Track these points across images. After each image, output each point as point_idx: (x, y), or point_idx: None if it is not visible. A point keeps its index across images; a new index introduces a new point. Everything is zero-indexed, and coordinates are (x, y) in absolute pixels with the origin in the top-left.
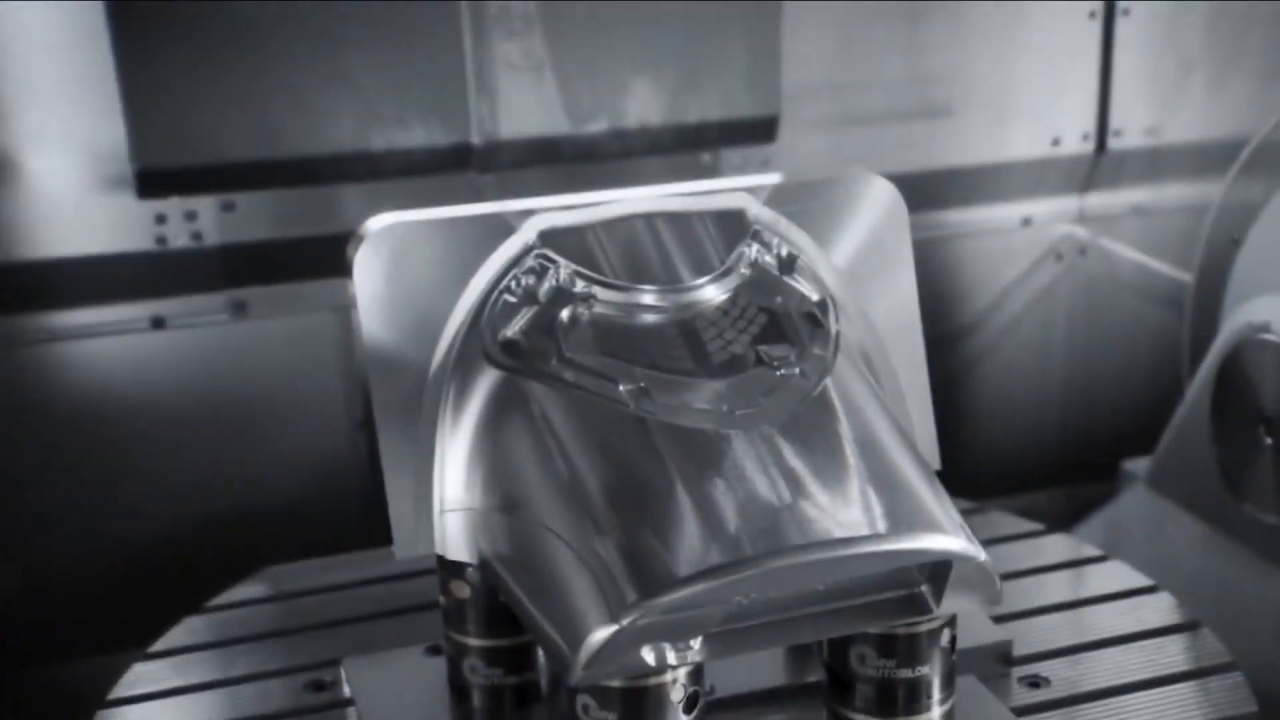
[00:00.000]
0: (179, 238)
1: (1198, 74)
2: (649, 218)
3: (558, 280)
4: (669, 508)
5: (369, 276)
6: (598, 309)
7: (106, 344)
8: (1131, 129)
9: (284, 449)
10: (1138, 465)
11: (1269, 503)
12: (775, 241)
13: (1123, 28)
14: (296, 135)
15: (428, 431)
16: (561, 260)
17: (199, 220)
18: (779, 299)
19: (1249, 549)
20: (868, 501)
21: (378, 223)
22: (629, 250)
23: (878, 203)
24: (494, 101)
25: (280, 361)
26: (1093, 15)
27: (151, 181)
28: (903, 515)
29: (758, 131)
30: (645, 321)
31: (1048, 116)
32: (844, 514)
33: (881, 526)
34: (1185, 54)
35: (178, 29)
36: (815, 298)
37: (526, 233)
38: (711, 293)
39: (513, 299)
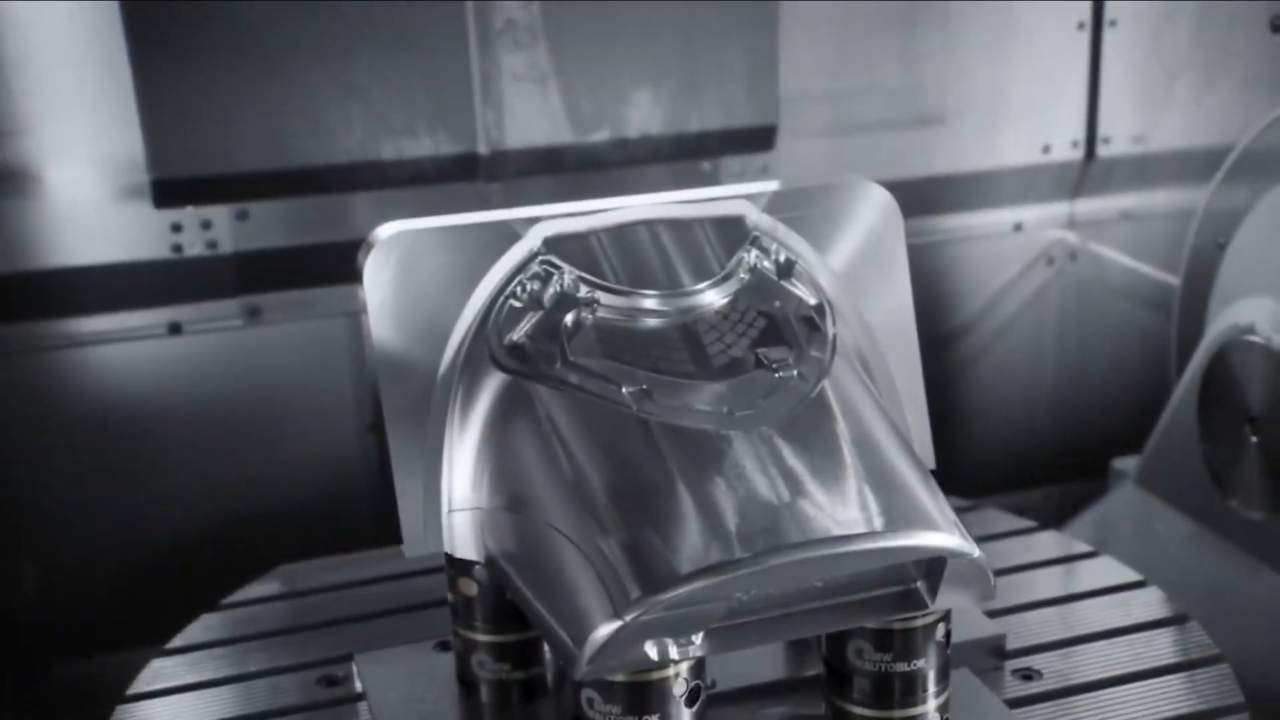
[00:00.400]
0: (194, 246)
1: (1183, 83)
2: (651, 224)
3: (562, 286)
4: (671, 507)
5: (378, 282)
6: (601, 313)
7: (124, 349)
8: (1119, 136)
9: (296, 451)
10: (1127, 464)
11: (1254, 500)
12: (774, 247)
13: (1110, 38)
14: (308, 146)
15: (436, 433)
16: (566, 266)
17: (214, 229)
18: (777, 303)
19: (1235, 545)
20: (865, 500)
21: (387, 230)
22: (631, 256)
23: (873, 208)
24: (500, 112)
25: (293, 366)
26: (1081, 26)
27: (167, 191)
28: (899, 513)
29: (756, 140)
30: (647, 325)
31: (1038, 124)
32: (842, 512)
33: (878, 524)
34: (1171, 63)
35: (193, 43)
36: (813, 302)
37: (531, 240)
38: (712, 297)
39: (518, 304)
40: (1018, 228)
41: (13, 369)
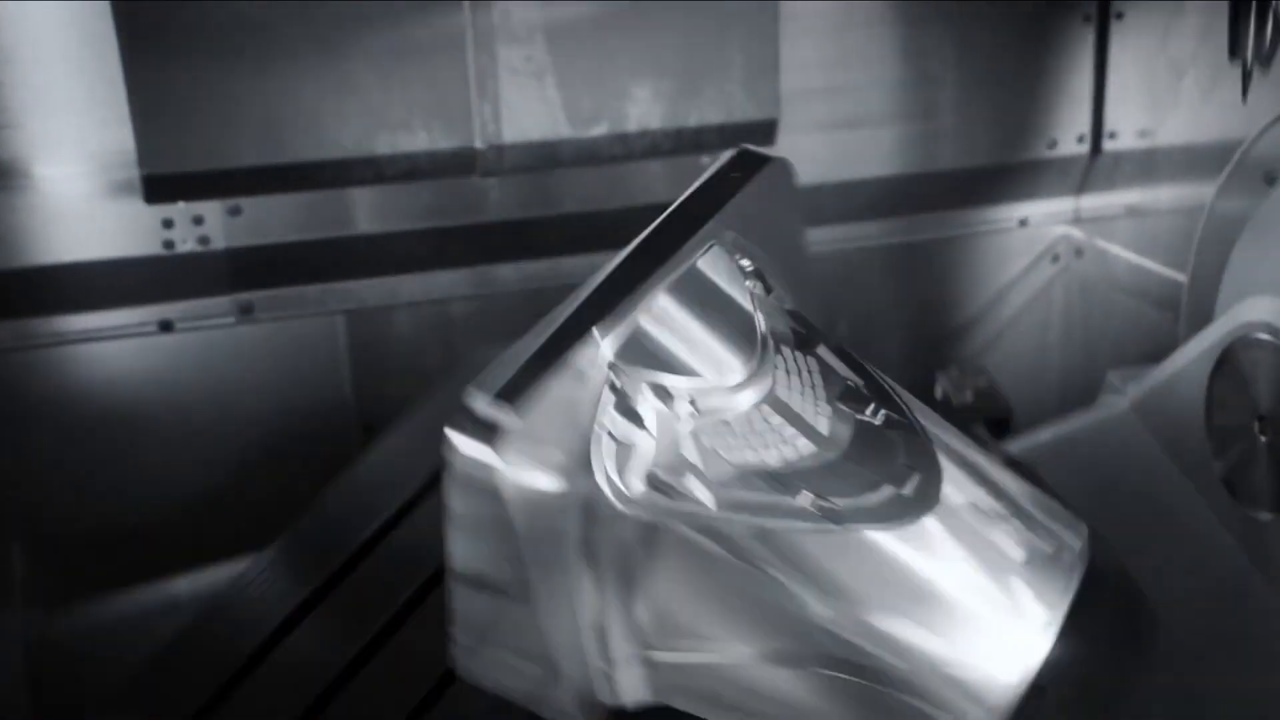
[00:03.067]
0: (186, 242)
1: (1190, 77)
2: (669, 283)
3: (653, 402)
4: None
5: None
6: (701, 419)
7: (115, 347)
8: (1126, 131)
9: (290, 450)
10: None
11: (1263, 500)
12: (745, 262)
13: (1117, 32)
14: (301, 141)
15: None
16: (642, 375)
17: (206, 225)
18: (783, 325)
19: (1243, 546)
20: None
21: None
22: (680, 333)
23: (766, 176)
24: (497, 106)
25: (286, 364)
26: (1087, 19)
27: (159, 187)
28: None
29: (757, 134)
30: (741, 409)
31: (1043, 119)
32: None
33: None
34: (1178, 58)
35: (185, 36)
36: (788, 307)
37: (598, 364)
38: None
39: (618, 439)
40: (1022, 224)
41: (0, 367)
